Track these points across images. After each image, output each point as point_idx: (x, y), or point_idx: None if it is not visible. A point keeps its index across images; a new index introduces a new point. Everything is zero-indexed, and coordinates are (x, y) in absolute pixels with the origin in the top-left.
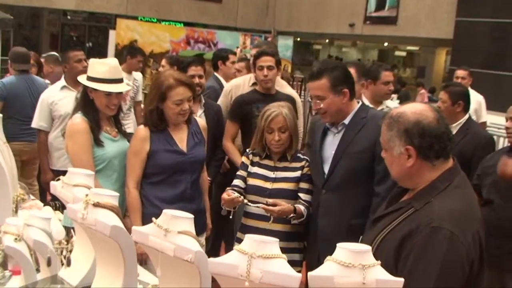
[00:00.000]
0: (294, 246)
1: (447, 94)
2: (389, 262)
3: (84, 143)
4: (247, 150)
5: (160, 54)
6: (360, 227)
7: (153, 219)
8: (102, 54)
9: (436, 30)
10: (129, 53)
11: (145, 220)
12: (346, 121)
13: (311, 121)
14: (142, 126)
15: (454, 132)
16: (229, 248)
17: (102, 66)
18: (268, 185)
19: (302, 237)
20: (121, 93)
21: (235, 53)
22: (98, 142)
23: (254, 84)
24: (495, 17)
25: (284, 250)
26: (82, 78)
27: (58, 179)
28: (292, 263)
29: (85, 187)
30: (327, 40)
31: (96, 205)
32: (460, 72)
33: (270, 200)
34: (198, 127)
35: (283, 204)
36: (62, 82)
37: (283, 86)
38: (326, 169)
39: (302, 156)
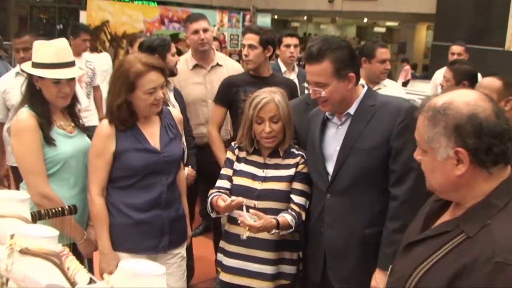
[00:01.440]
0: (284, 257)
1: (452, 72)
2: None
3: (31, 142)
4: (232, 144)
5: (133, 35)
6: (375, 237)
7: (105, 276)
8: None
9: (417, 5)
10: (71, 33)
11: (114, 232)
12: (351, 110)
13: (309, 114)
14: (105, 122)
15: None
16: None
17: (47, 49)
18: (257, 185)
19: (295, 246)
20: (73, 79)
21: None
22: (49, 141)
23: (195, 66)
24: None
25: (272, 261)
26: (26, 66)
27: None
28: (282, 276)
29: (17, 218)
30: (305, 17)
31: (25, 252)
32: (455, 48)
33: (251, 211)
34: (172, 119)
35: (265, 219)
36: (17, 68)
37: (223, 59)
38: (330, 168)
39: (296, 152)
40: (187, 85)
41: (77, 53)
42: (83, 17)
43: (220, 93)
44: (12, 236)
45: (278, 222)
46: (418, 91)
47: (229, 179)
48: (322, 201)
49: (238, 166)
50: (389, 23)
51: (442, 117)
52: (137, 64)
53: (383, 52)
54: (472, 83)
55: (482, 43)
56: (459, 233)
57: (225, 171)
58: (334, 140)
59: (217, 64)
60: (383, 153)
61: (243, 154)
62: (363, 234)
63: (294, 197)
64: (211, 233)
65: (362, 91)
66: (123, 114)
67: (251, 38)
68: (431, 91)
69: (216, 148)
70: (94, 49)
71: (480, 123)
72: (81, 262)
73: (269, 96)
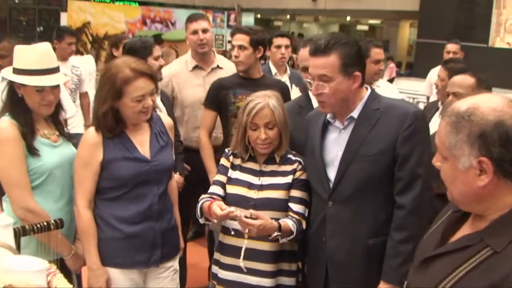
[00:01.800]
0: (283, 269)
1: (447, 71)
2: None
3: (13, 153)
4: (226, 150)
5: (116, 36)
6: (379, 247)
7: None
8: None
9: (400, 2)
10: (56, 37)
11: (102, 246)
12: (355, 114)
13: (307, 116)
14: (92, 130)
15: None
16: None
17: (29, 54)
18: (253, 194)
19: (294, 257)
20: (57, 86)
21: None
22: (32, 151)
23: (195, 67)
24: None
25: (271, 274)
26: (6, 72)
27: None
28: None
29: (2, 247)
30: (288, 16)
31: None
32: (451, 47)
33: (252, 211)
34: (162, 126)
35: (266, 219)
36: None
37: (224, 61)
38: (331, 175)
39: (293, 158)
40: (186, 87)
41: (63, 58)
42: (64, 19)
43: (209, 96)
44: None
45: (279, 225)
46: (409, 90)
47: (223, 185)
48: (324, 209)
49: (233, 174)
50: (372, 21)
51: (466, 123)
52: (125, 70)
53: (377, 52)
54: None
55: (466, 39)
56: (483, 247)
57: (218, 177)
58: (335, 145)
59: (217, 66)
60: (389, 160)
61: (238, 161)
62: (366, 244)
63: (293, 205)
64: (202, 239)
65: (365, 93)
66: (109, 121)
67: (241, 39)
68: (426, 90)
69: (205, 154)
70: (76, 52)
71: (507, 131)
72: (69, 278)
73: (263, 101)
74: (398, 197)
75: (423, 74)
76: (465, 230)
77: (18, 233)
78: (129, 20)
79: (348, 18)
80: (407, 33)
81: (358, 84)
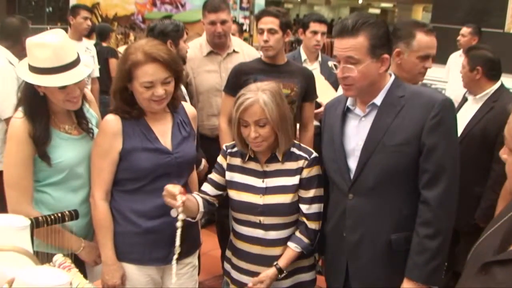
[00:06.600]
0: (300, 266)
1: (467, 58)
2: None
3: (20, 155)
4: (224, 147)
5: (125, 17)
6: (403, 243)
7: None
8: (63, 19)
9: None
10: (71, 13)
11: (118, 241)
12: (377, 100)
13: (325, 106)
14: (111, 116)
15: (479, 105)
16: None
17: (43, 51)
18: (258, 199)
19: (311, 253)
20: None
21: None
22: (44, 158)
23: (210, 52)
24: None
25: (287, 274)
26: (22, 70)
27: None
28: (301, 285)
29: (16, 252)
30: None
31: None
32: (464, 30)
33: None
34: (185, 116)
35: (259, 278)
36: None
37: (240, 45)
38: (352, 166)
39: (297, 152)
40: (200, 72)
41: (79, 37)
42: (74, 0)
43: (229, 81)
44: (10, 283)
45: (280, 269)
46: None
47: (215, 185)
48: (343, 202)
49: (234, 176)
50: (384, 4)
51: None
52: (137, 52)
53: None
54: (486, 68)
55: (481, 24)
56: None
57: (213, 176)
58: (356, 134)
59: (233, 50)
60: (413, 150)
61: (236, 161)
62: (389, 239)
63: (304, 207)
64: (214, 226)
65: (389, 80)
66: (123, 100)
67: (271, 22)
68: (446, 75)
69: (224, 142)
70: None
71: None
72: (83, 270)
73: (253, 97)
74: (424, 190)
75: (436, 59)
76: None
77: (31, 225)
78: (139, 1)
79: (360, 1)
80: (419, 17)
81: (386, 67)
